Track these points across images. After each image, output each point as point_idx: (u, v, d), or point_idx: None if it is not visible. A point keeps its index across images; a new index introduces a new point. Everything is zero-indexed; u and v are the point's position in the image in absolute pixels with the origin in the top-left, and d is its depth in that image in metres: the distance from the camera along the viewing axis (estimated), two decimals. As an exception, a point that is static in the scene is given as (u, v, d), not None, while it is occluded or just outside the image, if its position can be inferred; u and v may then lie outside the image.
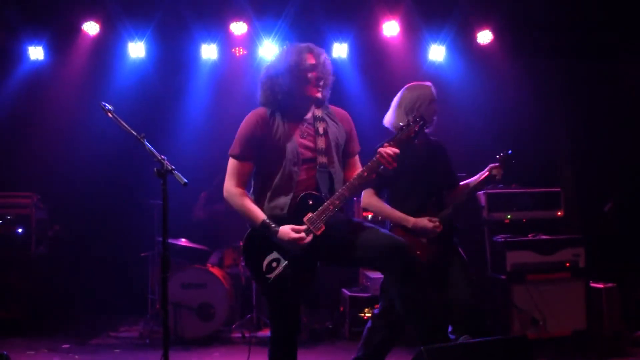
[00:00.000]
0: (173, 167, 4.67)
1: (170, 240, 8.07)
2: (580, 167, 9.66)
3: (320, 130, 4.70)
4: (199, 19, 9.37)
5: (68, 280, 9.37)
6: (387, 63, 9.68)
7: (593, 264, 7.81)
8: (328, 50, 9.38)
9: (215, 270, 8.45)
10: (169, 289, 4.91)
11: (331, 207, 4.49)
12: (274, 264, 4.54)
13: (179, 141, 9.39)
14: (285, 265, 4.52)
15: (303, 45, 4.81)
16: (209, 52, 9.64)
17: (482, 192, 7.96)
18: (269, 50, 9.43)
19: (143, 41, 9.44)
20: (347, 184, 4.56)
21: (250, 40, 9.59)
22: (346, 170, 4.86)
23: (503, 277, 7.58)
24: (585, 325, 7.54)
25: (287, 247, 4.49)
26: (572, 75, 9.67)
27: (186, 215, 9.35)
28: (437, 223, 5.53)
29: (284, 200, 4.59)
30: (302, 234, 4.45)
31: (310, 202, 4.56)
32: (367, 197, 5.67)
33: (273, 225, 4.49)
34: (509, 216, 7.98)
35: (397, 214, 5.60)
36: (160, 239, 5.02)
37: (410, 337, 4.98)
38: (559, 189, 8.17)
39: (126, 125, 4.75)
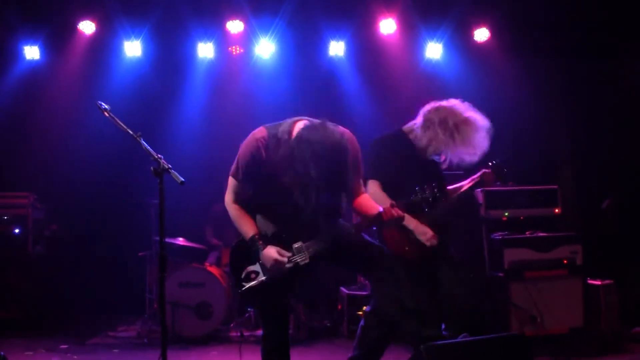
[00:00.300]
0: (170, 166, 4.67)
1: (168, 240, 8.11)
2: (579, 166, 9.67)
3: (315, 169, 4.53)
4: (195, 17, 9.36)
5: (66, 280, 9.35)
6: (384, 61, 9.68)
7: (591, 261, 7.81)
8: (325, 48, 9.43)
9: (213, 269, 8.46)
10: (167, 288, 4.93)
11: (322, 244, 4.60)
12: (252, 276, 4.65)
13: (176, 140, 9.39)
14: (262, 280, 4.61)
15: None
16: (205, 50, 9.64)
17: (479, 189, 7.97)
18: (266, 48, 9.43)
19: (139, 40, 9.43)
20: (344, 226, 4.73)
21: (247, 39, 9.59)
22: (350, 197, 4.87)
23: (501, 274, 7.57)
24: (582, 322, 7.54)
25: (268, 266, 4.58)
26: (571, 74, 9.67)
27: (184, 214, 9.32)
28: (434, 234, 5.58)
29: (273, 229, 4.72)
30: (285, 259, 4.53)
31: (304, 231, 4.63)
32: (374, 187, 5.64)
33: (261, 242, 4.58)
34: (506, 214, 7.97)
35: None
36: (158, 238, 5.02)
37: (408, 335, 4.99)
38: (556, 187, 8.16)
39: (122, 125, 4.75)
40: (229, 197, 4.80)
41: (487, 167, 5.90)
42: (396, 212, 4.61)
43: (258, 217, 4.76)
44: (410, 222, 5.59)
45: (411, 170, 5.59)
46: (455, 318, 5.48)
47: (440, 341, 4.57)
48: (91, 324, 8.95)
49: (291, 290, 4.69)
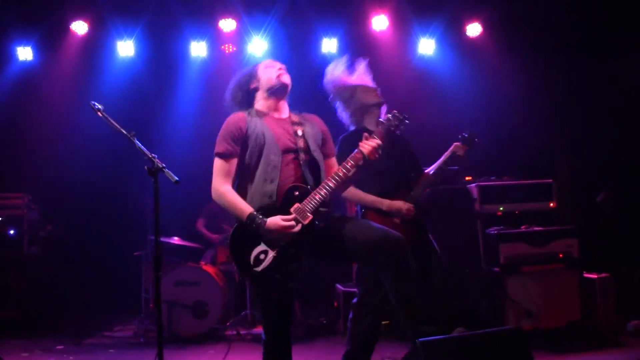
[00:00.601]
0: (164, 165, 4.68)
1: (163, 239, 8.10)
2: (574, 159, 9.68)
3: (299, 133, 4.85)
4: (188, 16, 9.35)
5: (62, 280, 9.34)
6: (377, 57, 9.63)
7: (587, 254, 7.82)
8: (318, 45, 9.42)
9: (209, 268, 8.45)
10: (163, 287, 4.92)
11: (317, 197, 4.56)
12: (262, 257, 4.56)
13: (170, 139, 9.38)
14: (274, 256, 4.54)
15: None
16: (198, 49, 9.64)
17: (474, 184, 7.97)
18: (259, 46, 9.42)
19: (132, 40, 9.42)
20: (333, 174, 4.63)
21: (240, 37, 9.59)
22: (324, 171, 4.94)
23: (497, 269, 7.58)
24: (579, 316, 7.55)
25: (276, 238, 4.53)
26: (566, 68, 9.68)
27: (179, 213, 9.32)
28: (410, 205, 5.59)
29: (271, 187, 4.65)
30: (292, 222, 4.50)
31: (297, 194, 4.63)
32: None
33: (260, 216, 4.53)
34: (501, 208, 7.97)
35: (370, 197, 5.73)
36: (153, 237, 5.01)
37: (403, 330, 4.99)
38: (550, 181, 8.16)
39: (116, 124, 4.75)
40: (217, 181, 4.76)
41: (457, 140, 5.95)
42: (372, 141, 4.67)
43: (249, 193, 4.75)
44: (382, 204, 5.66)
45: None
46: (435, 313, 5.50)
47: (437, 336, 4.55)
48: (87, 324, 8.93)
49: (304, 256, 4.59)
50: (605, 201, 8.67)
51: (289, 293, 4.81)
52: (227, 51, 9.80)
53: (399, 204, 5.64)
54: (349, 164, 4.63)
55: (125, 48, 9.46)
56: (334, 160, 5.10)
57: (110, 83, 9.57)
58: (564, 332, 7.42)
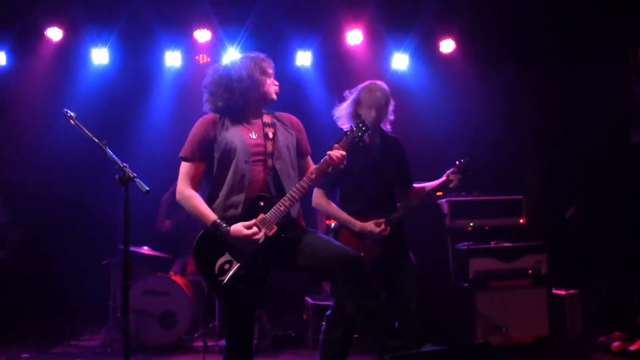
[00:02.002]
0: (135, 174, 4.67)
1: (132, 248, 8.04)
2: (546, 174, 9.73)
3: (270, 135, 4.84)
4: (163, 25, 9.30)
5: (28, 287, 9.24)
6: (350, 71, 9.67)
7: (555, 270, 7.86)
8: (291, 58, 9.42)
9: (177, 278, 8.40)
10: (131, 296, 4.89)
11: (282, 208, 4.59)
12: (226, 266, 4.56)
13: (142, 148, 9.32)
14: (238, 266, 4.54)
15: (260, 54, 5.02)
16: (172, 59, 9.59)
17: (444, 199, 7.99)
18: (233, 57, 9.38)
19: (106, 47, 9.34)
20: (297, 185, 4.67)
21: (214, 48, 9.55)
22: (300, 171, 4.98)
23: (466, 284, 7.60)
24: (548, 331, 7.59)
25: (240, 246, 4.54)
26: (537, 82, 9.73)
27: (149, 223, 9.26)
28: (384, 227, 5.59)
29: (238, 198, 4.65)
30: (255, 229, 4.51)
31: (262, 204, 4.64)
32: (317, 197, 5.76)
33: (224, 224, 4.53)
34: (471, 223, 8.01)
35: (344, 215, 5.69)
36: (122, 246, 4.97)
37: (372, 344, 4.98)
38: (521, 197, 8.21)
39: (88, 133, 4.72)
40: (181, 185, 4.75)
41: (455, 166, 5.92)
42: (338, 152, 4.71)
43: (216, 202, 4.73)
44: (354, 225, 5.64)
45: (357, 169, 5.62)
46: (407, 326, 5.49)
47: (405, 351, 4.54)
48: (54, 332, 8.81)
49: (269, 266, 4.62)
50: (574, 217, 8.73)
51: (253, 303, 4.83)
52: (201, 62, 9.76)
53: (371, 227, 5.61)
54: (314, 175, 4.68)
55: (100, 56, 9.39)
56: (309, 159, 5.11)
57: (83, 90, 9.49)
58: (532, 348, 7.47)
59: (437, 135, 9.32)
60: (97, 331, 8.82)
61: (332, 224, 5.97)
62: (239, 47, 9.33)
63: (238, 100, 4.82)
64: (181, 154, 4.80)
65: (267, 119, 4.94)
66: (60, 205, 9.67)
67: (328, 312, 5.70)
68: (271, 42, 9.39)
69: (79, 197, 9.64)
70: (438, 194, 6.04)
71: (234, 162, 4.67)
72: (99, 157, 4.96)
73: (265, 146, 4.77)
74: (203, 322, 8.68)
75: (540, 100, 9.77)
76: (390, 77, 9.67)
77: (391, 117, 5.93)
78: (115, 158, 4.69)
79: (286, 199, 4.61)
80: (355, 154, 5.37)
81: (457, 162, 5.88)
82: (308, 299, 8.43)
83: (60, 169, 9.54)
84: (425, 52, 9.77)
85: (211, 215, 4.59)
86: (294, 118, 5.13)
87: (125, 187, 4.66)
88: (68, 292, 9.35)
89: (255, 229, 4.52)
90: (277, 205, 4.59)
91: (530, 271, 7.69)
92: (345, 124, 5.85)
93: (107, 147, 4.73)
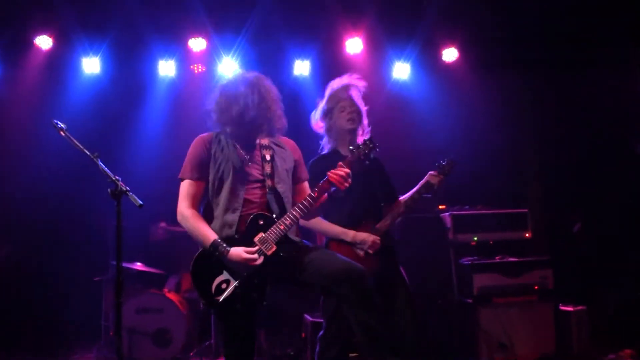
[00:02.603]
0: (128, 188, 4.64)
1: (125, 264, 8.01)
2: (549, 187, 9.71)
3: (267, 157, 4.89)
4: (156, 33, 9.28)
5: (16, 304, 9.17)
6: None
7: (562, 286, 7.83)
8: (290, 68, 9.41)
9: (172, 296, 8.36)
10: (124, 314, 4.86)
11: (282, 227, 4.62)
12: (224, 285, 4.60)
13: (135, 160, 9.29)
14: (235, 285, 4.57)
15: (261, 75, 5.01)
16: (166, 68, 9.56)
17: (447, 213, 7.98)
18: (229, 67, 9.37)
19: (98, 56, 9.32)
20: (299, 204, 4.70)
21: (210, 57, 9.53)
22: (296, 196, 5.01)
23: (469, 300, 7.58)
24: (554, 349, 7.57)
25: (238, 269, 4.56)
26: (541, 91, 9.74)
27: (142, 237, 9.22)
28: (376, 237, 5.56)
29: (232, 218, 4.70)
30: (255, 255, 4.53)
31: (261, 222, 4.68)
32: None
33: (224, 245, 4.56)
34: (475, 238, 7.99)
35: (335, 228, 5.70)
36: (115, 262, 4.95)
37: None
38: (526, 210, 8.20)
39: (79, 145, 4.70)
40: (182, 205, 4.80)
41: (434, 167, 5.92)
42: (341, 170, 4.71)
43: (212, 221, 4.78)
44: (347, 235, 5.63)
45: None
46: (399, 345, 5.48)
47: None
48: (43, 351, 8.77)
49: (266, 285, 4.62)
50: (581, 231, 8.71)
51: (251, 323, 4.84)
52: (196, 71, 9.75)
53: (364, 236, 5.61)
54: (315, 193, 4.71)
55: (91, 65, 9.36)
56: (306, 184, 5.13)
57: (74, 101, 9.46)
58: (538, 366, 7.43)
59: (438, 146, 9.28)
60: (89, 350, 8.77)
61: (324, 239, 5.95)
62: (234, 56, 9.32)
63: (238, 123, 4.83)
64: (180, 175, 4.86)
65: (264, 141, 4.99)
66: (51, 220, 9.62)
67: (321, 333, 5.68)
68: (268, 50, 9.38)
69: (70, 211, 9.59)
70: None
71: (228, 181, 4.74)
72: (90, 169, 4.94)
73: (262, 168, 4.84)
74: (198, 340, 8.63)
75: (543, 110, 9.77)
76: (391, 86, 9.68)
77: (365, 121, 5.93)
78: (108, 171, 4.67)
79: (287, 217, 4.64)
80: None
81: (436, 164, 5.89)
82: (307, 317, 8.38)
83: (51, 182, 9.49)
84: (427, 60, 9.77)
85: (211, 235, 4.63)
86: (291, 142, 5.17)
87: (117, 201, 4.64)
88: (58, 309, 9.30)
89: (255, 255, 4.55)
90: (276, 224, 4.63)
91: (536, 287, 7.67)
92: (327, 143, 5.88)
93: (99, 160, 4.71)
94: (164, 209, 9.03)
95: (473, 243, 8.00)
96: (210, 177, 4.79)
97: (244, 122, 4.78)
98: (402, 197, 5.97)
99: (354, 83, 5.97)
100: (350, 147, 4.93)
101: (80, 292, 9.11)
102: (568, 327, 7.69)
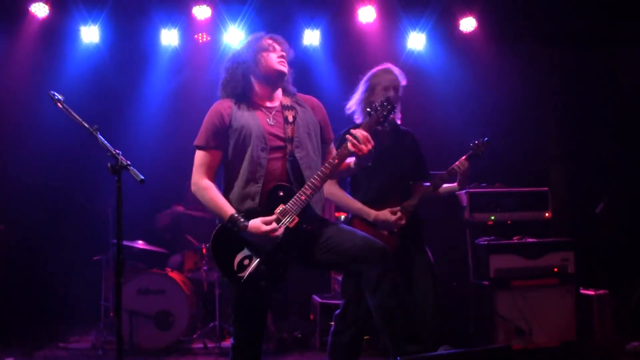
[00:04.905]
0: (129, 162, 4.65)
1: (126, 243, 8.08)
2: (571, 166, 9.72)
3: (290, 119, 4.83)
4: (158, 1, 9.30)
5: (13, 285, 9.24)
6: (362, 51, 9.67)
7: (583, 269, 7.84)
8: (299, 37, 9.43)
9: (175, 275, 8.41)
10: (124, 295, 4.91)
11: (303, 197, 4.59)
12: (246, 262, 4.58)
13: (136, 134, 9.34)
14: (259, 262, 4.57)
15: (261, 33, 5.03)
16: (169, 37, 9.58)
17: (463, 191, 8.00)
18: (235, 36, 9.39)
19: (97, 25, 9.35)
20: (319, 172, 4.65)
21: (215, 26, 9.54)
22: (324, 158, 4.97)
23: (486, 283, 7.59)
24: (574, 335, 7.56)
25: (259, 242, 4.55)
26: (564, 67, 9.74)
27: (144, 215, 9.27)
28: (400, 215, 5.62)
29: (255, 189, 4.67)
30: (274, 225, 4.52)
31: (281, 194, 4.65)
32: (329, 186, 5.71)
33: (242, 219, 4.54)
34: (492, 217, 8.00)
35: (357, 205, 5.74)
36: (115, 241, 4.99)
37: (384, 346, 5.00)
38: (546, 189, 8.19)
39: (77, 117, 4.71)
40: (197, 175, 4.78)
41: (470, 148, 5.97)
42: (359, 133, 4.59)
43: (231, 193, 4.76)
44: (369, 215, 5.69)
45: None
46: (422, 326, 5.54)
47: (419, 354, 4.55)
48: (40, 333, 8.84)
49: (289, 260, 4.64)
50: (604, 212, 8.71)
51: (268, 300, 4.86)
52: (200, 40, 9.76)
53: (386, 215, 5.64)
54: (335, 160, 4.66)
55: (90, 34, 9.39)
56: (332, 146, 5.13)
57: (72, 72, 9.49)
58: (557, 353, 7.44)
59: (454, 120, 9.31)
60: (88, 332, 8.86)
61: (342, 217, 5.99)
62: (241, 25, 9.33)
63: (243, 83, 4.86)
64: (195, 142, 4.81)
65: (286, 101, 4.95)
66: (47, 197, 9.68)
67: (337, 312, 5.72)
68: (277, 19, 9.38)
69: (68, 187, 9.65)
70: (449, 185, 6.07)
71: (249, 149, 4.69)
72: (89, 143, 4.96)
73: (284, 131, 4.78)
74: (202, 322, 8.70)
75: (566, 84, 9.77)
76: (405, 57, 9.69)
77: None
78: (107, 144, 4.69)
79: (307, 187, 4.60)
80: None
81: (470, 143, 5.92)
82: (316, 298, 8.45)
83: (47, 157, 9.54)
84: (444, 30, 9.77)
85: (229, 209, 4.61)
86: (315, 100, 5.13)
87: (118, 176, 4.65)
88: (56, 290, 9.39)
89: (274, 224, 4.53)
90: (297, 194, 4.60)
91: (556, 269, 7.66)
92: (359, 117, 5.90)
93: (98, 133, 4.72)
94: (166, 184, 9.14)
95: (490, 223, 8.01)
96: (230, 145, 4.76)
97: (238, 79, 4.86)
98: (437, 174, 6.01)
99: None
100: (368, 109, 4.87)
101: (79, 271, 9.18)
102: (589, 313, 7.71)
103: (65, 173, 9.63)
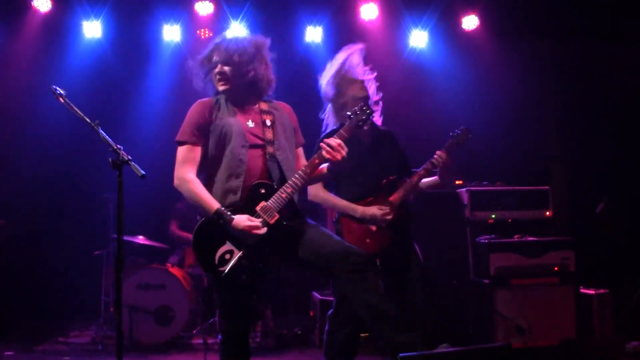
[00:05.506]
0: (130, 157, 4.66)
1: (126, 238, 8.07)
2: (571, 165, 9.72)
3: (268, 122, 4.93)
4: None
5: (13, 280, 9.26)
6: (364, 49, 9.65)
7: (584, 268, 7.84)
8: (301, 34, 9.41)
9: (175, 271, 8.41)
10: (124, 290, 4.92)
11: (284, 195, 4.68)
12: (227, 256, 4.65)
13: (138, 129, 9.34)
14: (240, 256, 4.63)
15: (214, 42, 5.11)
16: (171, 33, 9.60)
17: (464, 189, 8.00)
18: (237, 32, 9.39)
19: (99, 20, 9.35)
20: (299, 171, 4.75)
21: (217, 22, 9.55)
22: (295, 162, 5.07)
23: (486, 281, 7.59)
24: (574, 334, 7.56)
25: (242, 237, 4.62)
26: (565, 64, 9.73)
27: (144, 210, 9.26)
28: (387, 210, 5.62)
29: (237, 184, 4.75)
30: (258, 223, 4.60)
31: (263, 191, 4.74)
32: (313, 188, 5.77)
33: (228, 213, 4.62)
34: (493, 216, 8.00)
35: (343, 203, 5.76)
36: (115, 236, 5.00)
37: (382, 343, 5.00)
38: (547, 188, 8.19)
39: (79, 112, 4.72)
40: (181, 169, 4.87)
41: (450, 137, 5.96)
42: (333, 141, 4.69)
43: (213, 188, 4.84)
44: (355, 211, 5.69)
45: (353, 159, 5.65)
46: (409, 321, 5.57)
47: (418, 352, 4.56)
48: (40, 328, 8.87)
49: (269, 256, 4.72)
50: (605, 212, 8.71)
51: (252, 294, 4.92)
52: (202, 36, 9.76)
53: (373, 210, 5.65)
54: (316, 160, 4.75)
55: (92, 29, 9.39)
56: (301, 151, 5.20)
57: (74, 66, 9.50)
58: (557, 352, 7.44)
59: (456, 117, 9.27)
60: (87, 327, 8.87)
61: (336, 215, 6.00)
62: (243, 21, 9.33)
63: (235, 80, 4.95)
64: (178, 137, 4.91)
65: (264, 106, 5.04)
66: (48, 192, 9.69)
67: (330, 312, 5.73)
68: (279, 16, 9.39)
69: (69, 182, 9.66)
70: (431, 179, 6.04)
71: (230, 145, 4.79)
72: (90, 138, 5.00)
73: (263, 133, 4.87)
74: (202, 318, 8.71)
75: (568, 82, 9.76)
76: (407, 55, 9.69)
77: (376, 97, 5.96)
78: (109, 139, 4.69)
79: (288, 185, 4.70)
80: (348, 141, 5.46)
81: (450, 133, 5.92)
82: (315, 294, 8.45)
83: (48, 152, 9.55)
84: (446, 28, 9.78)
85: (214, 203, 4.67)
86: (288, 106, 5.23)
87: (119, 171, 4.66)
88: (56, 285, 9.40)
89: (259, 223, 4.62)
90: (278, 192, 4.68)
91: (556, 268, 7.66)
92: (331, 124, 5.92)
93: (100, 128, 4.73)
94: (167, 180, 9.12)
95: (491, 221, 8.01)
96: (211, 142, 4.85)
97: (243, 80, 4.92)
98: (417, 170, 6.00)
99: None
100: (348, 113, 4.94)
101: (80, 266, 9.21)
102: (590, 312, 7.71)
103: (66, 168, 9.64)
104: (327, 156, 4.66)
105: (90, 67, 9.52)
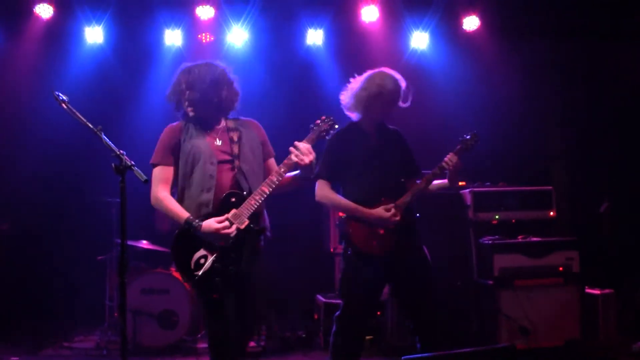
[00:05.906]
0: (133, 162, 4.67)
1: (130, 242, 8.07)
2: (574, 164, 9.70)
3: (235, 139, 5.26)
4: (162, 1, 9.32)
5: (18, 284, 9.28)
6: (365, 51, 9.68)
7: (588, 268, 7.83)
8: (302, 37, 9.41)
9: (179, 275, 8.39)
10: (128, 295, 4.91)
11: (253, 202, 4.97)
12: (202, 261, 4.93)
13: (140, 134, 9.32)
14: (212, 259, 4.89)
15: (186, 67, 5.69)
16: (173, 37, 9.59)
17: (467, 190, 8.00)
18: (238, 36, 9.41)
19: (101, 25, 9.37)
20: (267, 180, 5.03)
21: (218, 26, 9.55)
22: (267, 173, 5.29)
23: (490, 282, 7.60)
24: (579, 334, 7.57)
25: (213, 240, 4.91)
26: (567, 64, 9.72)
27: (148, 215, 9.27)
28: (394, 211, 5.60)
29: (207, 197, 5.04)
30: (226, 223, 4.86)
31: (233, 200, 5.02)
32: (320, 188, 5.80)
33: (196, 220, 4.91)
34: (496, 216, 8.00)
35: (350, 205, 5.73)
36: (119, 240, 5.03)
37: (388, 345, 5.02)
38: (550, 188, 8.19)
39: (82, 117, 4.72)
40: (155, 188, 5.12)
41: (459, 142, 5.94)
42: (302, 145, 4.99)
43: (186, 203, 5.09)
44: (362, 213, 5.66)
45: (360, 159, 5.72)
46: (417, 326, 5.59)
47: (421, 354, 4.56)
48: (45, 333, 8.85)
49: (242, 258, 4.96)
50: (609, 211, 8.70)
51: (230, 298, 5.04)
52: (204, 41, 9.77)
53: (380, 213, 5.62)
54: (282, 168, 5.03)
55: (94, 34, 9.40)
56: (272, 161, 5.44)
57: (76, 72, 9.51)
58: (561, 352, 7.44)
59: (458, 119, 9.29)
60: (92, 332, 8.88)
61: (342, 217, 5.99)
62: (245, 25, 9.34)
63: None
64: (151, 160, 5.23)
65: (230, 124, 5.35)
66: (51, 197, 9.68)
67: (337, 313, 5.73)
68: (280, 19, 9.40)
69: (72, 187, 9.65)
70: (440, 182, 6.02)
71: (199, 164, 5.09)
72: (93, 144, 5.00)
73: (231, 149, 5.18)
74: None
75: (570, 82, 9.76)
76: (408, 57, 9.69)
77: (405, 104, 5.93)
78: (111, 145, 4.70)
79: (257, 193, 4.99)
80: (356, 141, 5.46)
81: (460, 138, 5.90)
82: (319, 297, 8.45)
83: (52, 157, 9.55)
84: (447, 29, 9.77)
85: (183, 214, 4.97)
86: (254, 122, 5.50)
87: (122, 177, 4.67)
88: (60, 290, 9.40)
89: (226, 223, 4.89)
90: (248, 200, 4.97)
91: (560, 269, 7.67)
92: (352, 115, 5.91)
93: (102, 133, 4.74)
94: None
95: (494, 222, 8.01)
96: (181, 162, 5.14)
97: (209, 104, 5.28)
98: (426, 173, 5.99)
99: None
100: (311, 125, 5.20)
101: (84, 271, 9.20)
102: (594, 312, 7.70)
103: (69, 173, 9.64)
104: (295, 159, 4.93)
105: (92, 73, 9.54)
